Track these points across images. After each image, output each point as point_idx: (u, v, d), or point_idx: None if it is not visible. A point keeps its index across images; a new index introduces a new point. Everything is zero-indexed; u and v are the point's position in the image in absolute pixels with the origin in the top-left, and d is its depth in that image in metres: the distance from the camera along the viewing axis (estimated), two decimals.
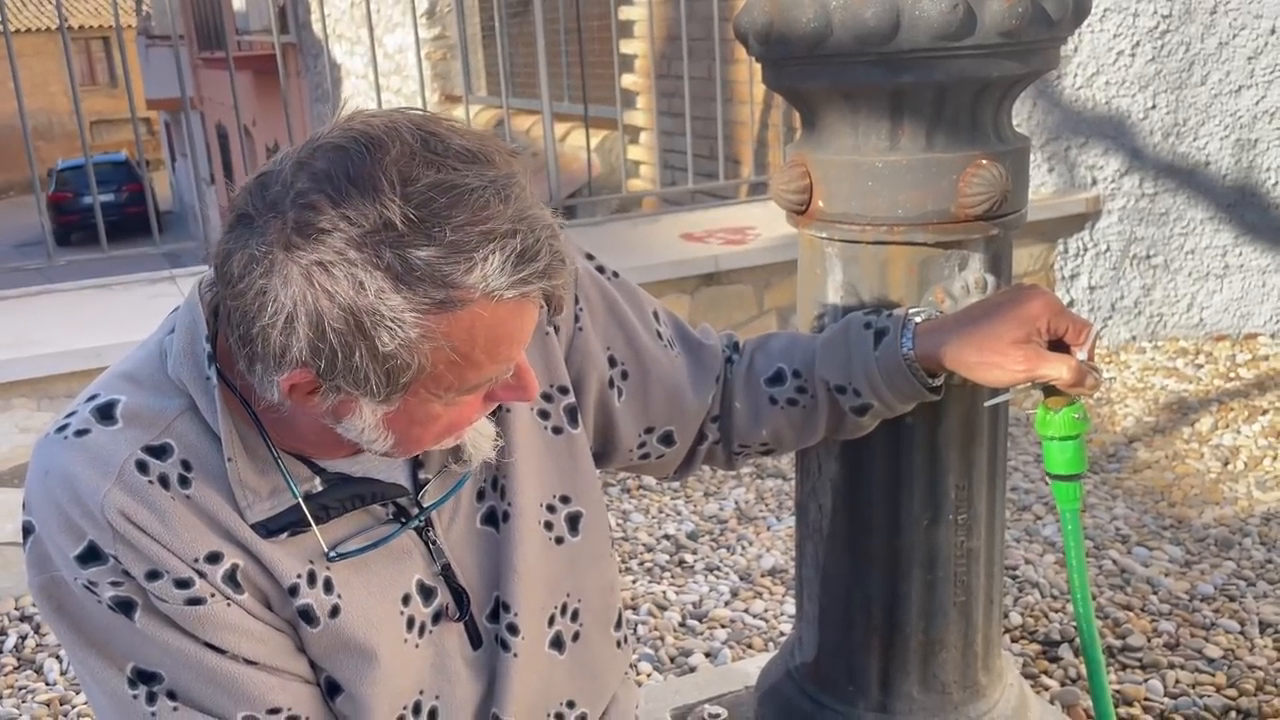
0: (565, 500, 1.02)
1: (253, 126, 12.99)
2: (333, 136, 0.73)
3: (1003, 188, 1.09)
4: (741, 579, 2.61)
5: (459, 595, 0.96)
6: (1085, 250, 3.96)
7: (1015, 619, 2.35)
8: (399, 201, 0.70)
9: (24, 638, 2.53)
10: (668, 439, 1.11)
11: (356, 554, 0.89)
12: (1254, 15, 3.66)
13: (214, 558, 0.84)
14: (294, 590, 0.87)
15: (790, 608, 2.45)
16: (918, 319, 1.07)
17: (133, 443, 0.83)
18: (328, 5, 9.62)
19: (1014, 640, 2.28)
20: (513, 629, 0.97)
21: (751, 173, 4.70)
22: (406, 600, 0.93)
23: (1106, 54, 3.79)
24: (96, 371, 0.93)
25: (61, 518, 0.81)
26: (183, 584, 0.82)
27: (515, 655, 0.97)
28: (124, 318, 2.94)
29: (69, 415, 0.85)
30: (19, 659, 2.45)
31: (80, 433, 0.83)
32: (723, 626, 2.41)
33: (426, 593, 0.94)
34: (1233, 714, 2.02)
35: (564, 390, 1.03)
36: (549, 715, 1.03)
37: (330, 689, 0.92)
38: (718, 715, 1.55)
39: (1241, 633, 2.27)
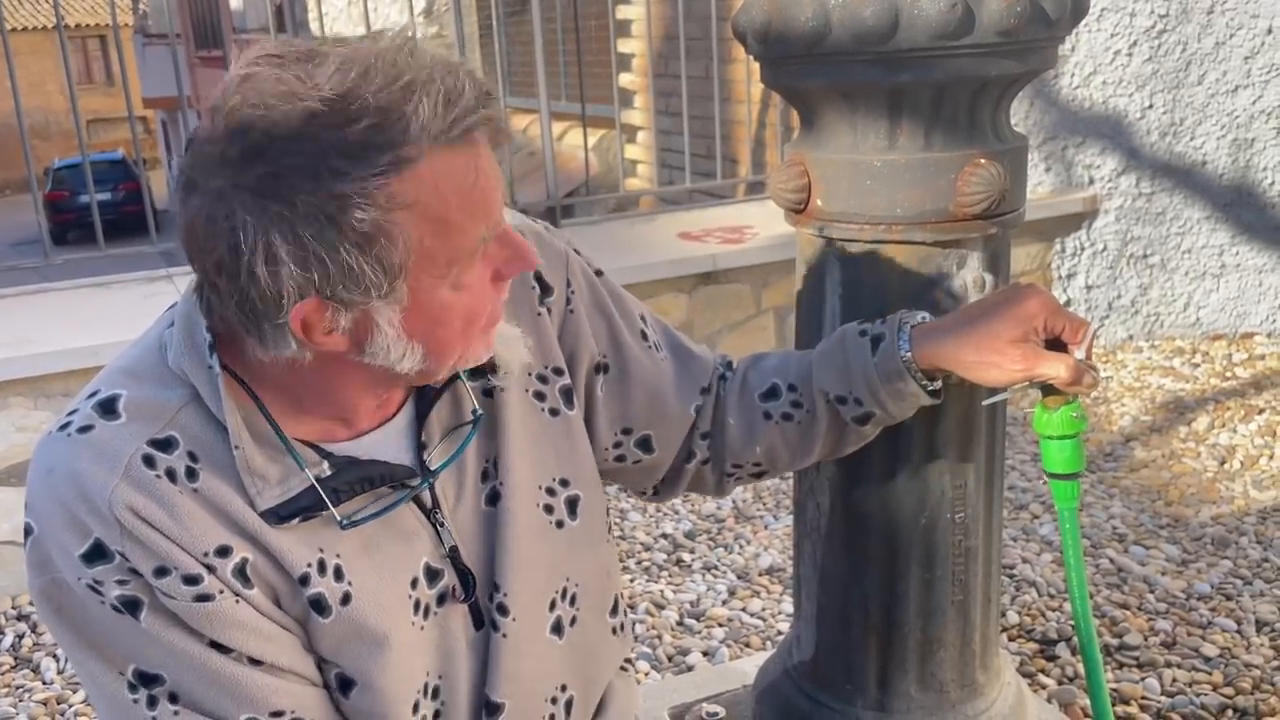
0: (565, 484, 1.02)
1: None
2: (234, 101, 0.75)
3: (1001, 187, 1.09)
4: (739, 578, 2.61)
5: (464, 577, 0.95)
6: (1082, 249, 3.97)
7: (1013, 618, 2.35)
8: (316, 93, 0.73)
9: (21, 637, 2.53)
10: (646, 444, 1.10)
11: (368, 520, 0.88)
12: (1251, 15, 3.67)
13: (223, 551, 0.83)
14: (305, 580, 0.86)
15: (788, 606, 2.45)
16: (913, 322, 1.07)
17: (138, 436, 0.82)
18: (325, 4, 9.61)
19: (1011, 639, 2.28)
20: (502, 609, 0.97)
21: (749, 172, 4.70)
22: (415, 584, 0.93)
23: (1104, 53, 3.79)
24: (93, 370, 0.93)
25: (66, 516, 0.81)
26: (191, 580, 0.82)
27: (504, 636, 0.97)
28: (121, 316, 2.94)
29: (71, 413, 0.85)
30: (16, 658, 2.45)
31: (84, 429, 0.83)
32: (720, 625, 2.41)
33: (432, 575, 0.94)
34: (1229, 712, 2.03)
35: (559, 371, 1.03)
36: (543, 700, 1.02)
37: (343, 685, 0.91)
38: (715, 714, 1.55)
39: (1238, 631, 2.28)
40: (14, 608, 2.66)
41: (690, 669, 2.23)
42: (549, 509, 1.00)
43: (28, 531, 0.84)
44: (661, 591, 2.55)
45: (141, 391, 0.85)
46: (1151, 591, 2.45)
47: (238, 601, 0.84)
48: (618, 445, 1.09)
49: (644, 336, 1.10)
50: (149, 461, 0.82)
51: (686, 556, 2.72)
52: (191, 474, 0.83)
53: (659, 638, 2.37)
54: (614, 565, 1.10)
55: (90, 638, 0.84)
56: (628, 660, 1.15)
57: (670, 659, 2.29)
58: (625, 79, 5.42)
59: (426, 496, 0.94)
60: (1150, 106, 3.81)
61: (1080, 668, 2.15)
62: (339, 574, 0.88)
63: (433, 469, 0.93)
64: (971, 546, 1.24)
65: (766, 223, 3.69)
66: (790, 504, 2.81)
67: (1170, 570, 2.54)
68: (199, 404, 0.84)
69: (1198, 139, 3.81)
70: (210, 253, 0.76)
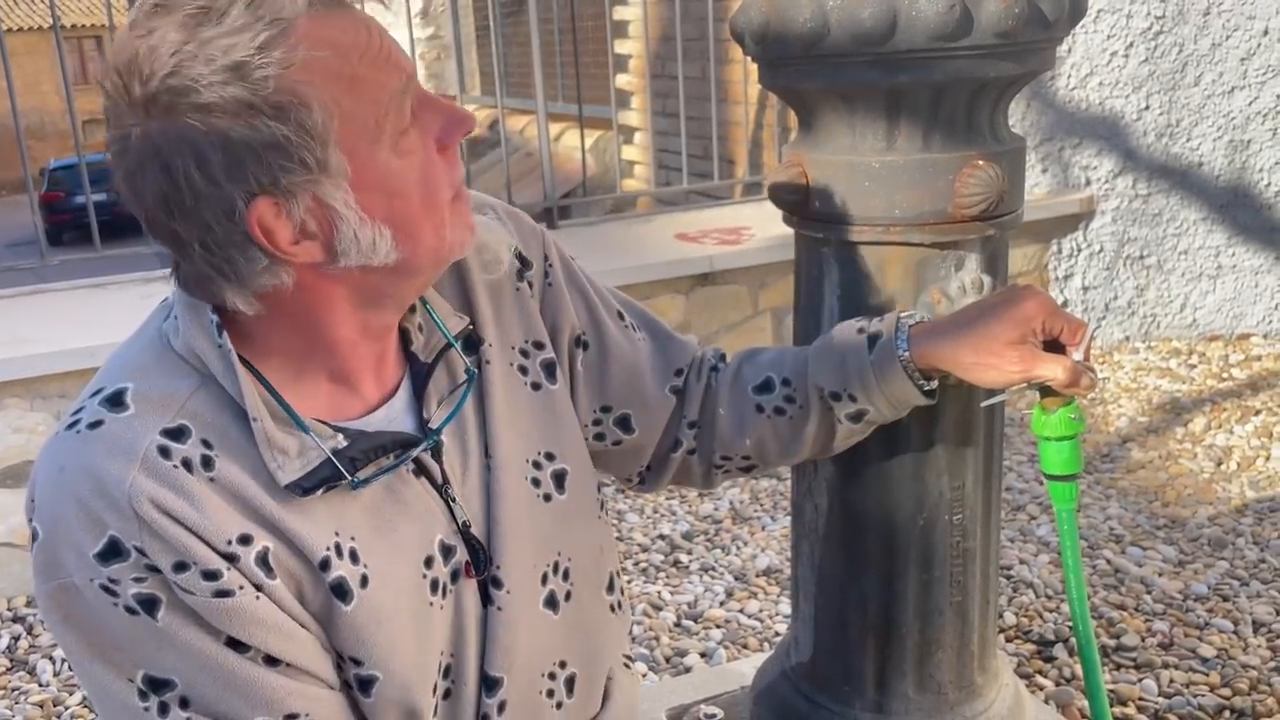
0: (550, 457, 1.02)
1: None
2: (123, 50, 0.78)
3: (999, 188, 1.10)
4: (737, 579, 2.61)
5: (475, 552, 0.95)
6: (1079, 251, 3.97)
7: (1010, 619, 2.35)
8: (188, 3, 0.75)
9: (17, 639, 2.52)
10: (625, 423, 1.10)
11: (376, 477, 0.88)
12: (1247, 16, 3.67)
13: (245, 540, 0.82)
14: (325, 565, 0.85)
15: (785, 608, 2.45)
16: (911, 321, 1.07)
17: (150, 427, 0.81)
18: None
19: (1009, 640, 2.28)
20: (496, 582, 0.96)
21: (746, 173, 4.71)
22: (429, 562, 0.92)
23: (1100, 55, 3.80)
24: (90, 371, 0.92)
25: (82, 513, 0.79)
26: (211, 575, 0.80)
27: (500, 609, 0.96)
28: (117, 317, 2.93)
29: (77, 412, 0.84)
30: (12, 660, 2.44)
31: (94, 425, 0.82)
32: (718, 627, 2.41)
33: (447, 551, 0.93)
34: (1227, 713, 2.03)
35: (539, 345, 1.03)
36: (542, 675, 1.01)
37: (363, 684, 0.90)
38: (713, 716, 1.55)
39: (1235, 632, 2.28)
40: (9, 609, 2.65)
41: (688, 670, 2.23)
42: (536, 482, 1.00)
43: (34, 536, 0.82)
44: (659, 593, 2.55)
45: (148, 383, 0.84)
46: (1149, 592, 2.45)
47: (258, 597, 0.82)
48: (597, 423, 1.10)
49: (620, 316, 1.11)
50: (164, 452, 0.81)
51: (684, 558, 2.72)
52: (207, 462, 0.82)
53: (656, 639, 2.36)
54: (608, 542, 1.09)
55: (100, 644, 0.82)
56: (628, 657, 1.14)
57: (668, 660, 2.29)
58: (622, 80, 5.42)
59: (437, 472, 0.94)
60: (1147, 108, 3.81)
61: (1078, 669, 2.15)
62: (354, 556, 0.87)
63: (433, 427, 0.93)
64: (969, 548, 1.24)
65: (764, 224, 3.69)
66: (788, 505, 2.82)
67: (1167, 571, 2.54)
68: (209, 388, 0.84)
69: (1194, 140, 3.81)
70: (154, 196, 0.78)
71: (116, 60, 0.77)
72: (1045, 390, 1.06)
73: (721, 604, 2.50)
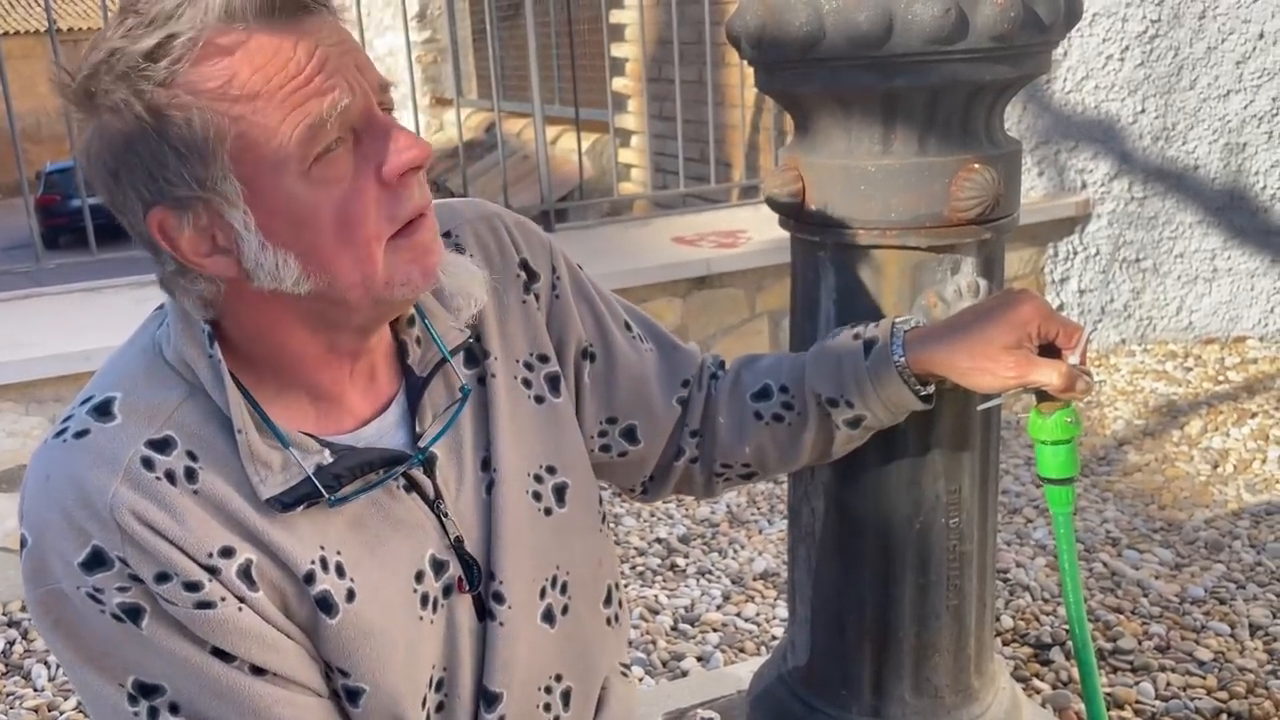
0: (551, 471, 1.01)
1: None
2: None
3: (995, 191, 1.10)
4: (733, 583, 2.61)
5: (469, 568, 0.95)
6: (1075, 254, 3.97)
7: (1007, 622, 2.35)
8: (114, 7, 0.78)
9: (11, 643, 2.52)
10: (630, 434, 1.09)
11: (356, 495, 0.87)
12: (1242, 20, 3.68)
13: (227, 552, 0.82)
14: (310, 578, 0.85)
15: (782, 611, 2.45)
16: (907, 326, 1.07)
17: (135, 438, 0.81)
18: None
19: (1006, 643, 2.28)
20: (498, 597, 0.96)
21: (743, 176, 4.71)
22: (420, 577, 0.92)
23: (1096, 58, 3.80)
24: (85, 375, 0.93)
25: (66, 522, 0.79)
26: (192, 587, 0.80)
27: (501, 624, 0.96)
28: (113, 321, 2.93)
29: (66, 419, 0.84)
30: (7, 664, 2.44)
31: (80, 434, 0.82)
32: (715, 630, 2.40)
33: (438, 566, 0.93)
34: (1224, 717, 2.03)
35: (544, 358, 1.03)
36: (538, 689, 1.01)
37: (350, 695, 0.89)
38: None
39: (1232, 635, 2.28)
40: (4, 614, 2.64)
41: (685, 674, 2.22)
42: (537, 496, 1.00)
43: (23, 543, 0.82)
44: (656, 596, 2.55)
45: (137, 392, 0.84)
46: (1145, 595, 2.45)
47: (240, 609, 0.82)
48: (603, 434, 1.09)
49: (628, 327, 1.11)
50: (148, 463, 0.81)
51: (681, 561, 2.72)
52: (191, 474, 0.82)
53: (653, 643, 2.36)
54: (607, 555, 1.08)
55: (89, 649, 0.82)
56: (625, 665, 1.14)
57: (664, 664, 2.29)
58: (619, 83, 5.42)
59: (429, 487, 0.93)
60: (1142, 111, 3.82)
61: (1075, 672, 2.15)
62: (340, 570, 0.87)
63: (422, 446, 0.92)
64: (966, 551, 1.24)
65: (760, 227, 3.69)
66: (785, 508, 2.81)
67: (1164, 574, 2.54)
68: (197, 399, 0.84)
69: (1190, 143, 3.82)
70: (100, 187, 0.81)
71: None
72: (1041, 394, 1.06)
73: (718, 608, 2.50)
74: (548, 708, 1.02)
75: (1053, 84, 3.85)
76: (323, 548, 0.86)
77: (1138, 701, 2.07)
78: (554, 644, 1.01)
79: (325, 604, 0.86)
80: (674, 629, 2.42)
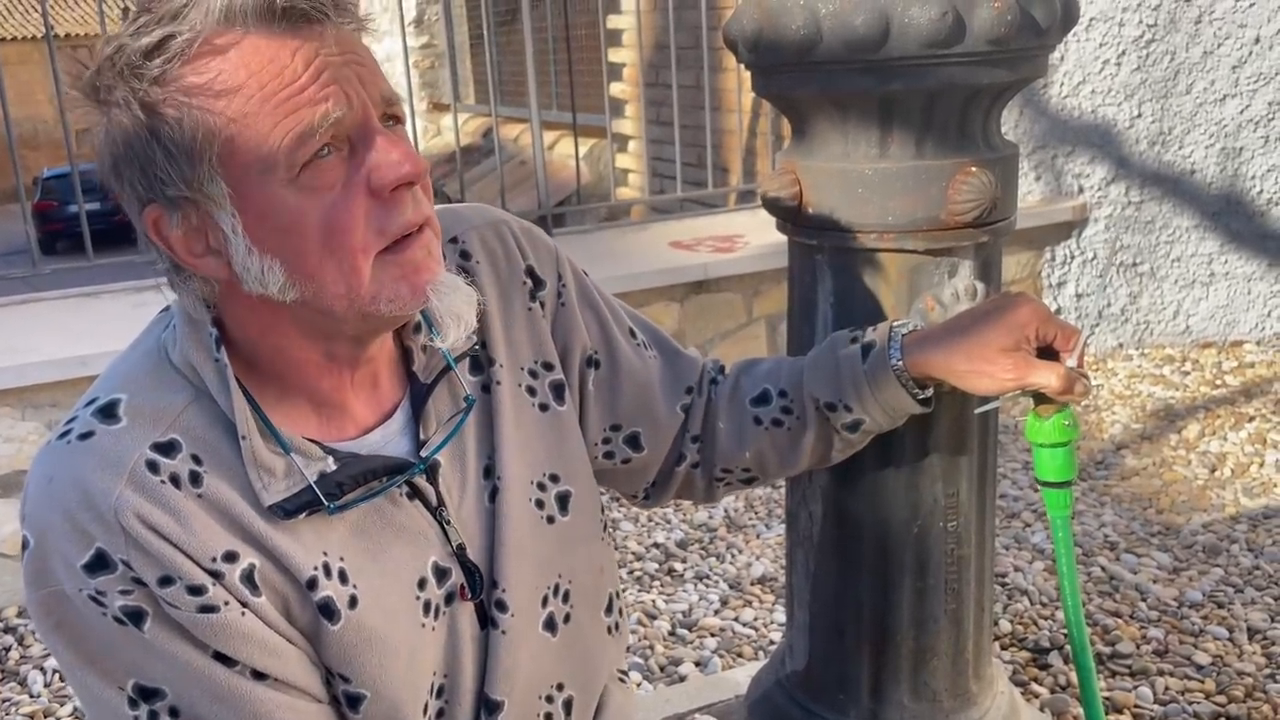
0: (554, 479, 1.01)
1: None
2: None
3: (992, 195, 1.10)
4: (731, 587, 2.60)
5: (471, 575, 0.94)
6: (1072, 258, 3.98)
7: (1005, 626, 2.35)
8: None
9: (8, 649, 2.51)
10: (634, 441, 1.09)
11: (356, 504, 0.87)
12: (1238, 24, 3.69)
13: (231, 557, 0.81)
14: (313, 584, 0.85)
15: (780, 616, 2.45)
16: (904, 330, 1.07)
17: (140, 441, 0.81)
18: None
19: (1004, 648, 2.28)
20: (501, 605, 0.96)
21: (740, 181, 4.71)
22: (422, 584, 0.91)
23: (1093, 63, 3.81)
24: (82, 380, 0.93)
25: (69, 524, 0.79)
26: (196, 590, 0.80)
27: (504, 633, 0.96)
28: (110, 326, 2.93)
29: (69, 421, 0.83)
30: (3, 670, 2.43)
31: (84, 436, 0.81)
32: (713, 635, 2.40)
33: (441, 574, 0.93)
34: None
35: (549, 366, 1.02)
36: (539, 698, 1.01)
37: (352, 701, 0.89)
38: None
39: (1230, 639, 2.28)
40: (0, 620, 2.64)
41: (683, 679, 2.22)
42: (540, 504, 1.00)
43: (25, 545, 0.81)
44: (653, 601, 2.54)
45: (143, 395, 0.84)
46: (1143, 599, 2.45)
47: (243, 614, 0.82)
48: (607, 441, 1.09)
49: (632, 334, 1.10)
50: (153, 466, 0.80)
51: (678, 566, 2.72)
52: (196, 478, 0.82)
53: (651, 648, 2.36)
54: (609, 563, 1.08)
55: (90, 652, 0.82)
56: (622, 671, 1.14)
57: (662, 669, 2.28)
58: (616, 88, 5.43)
59: (431, 495, 0.93)
60: (1139, 115, 3.82)
61: (1073, 676, 2.15)
62: (343, 577, 0.87)
63: (425, 454, 0.92)
64: (964, 555, 1.24)
65: (758, 231, 3.69)
66: (782, 513, 2.81)
67: (1162, 578, 2.54)
68: (203, 403, 0.83)
69: (1186, 148, 3.83)
70: (110, 189, 0.82)
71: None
72: (1039, 397, 1.06)
73: (716, 612, 2.49)
74: (549, 717, 1.02)
75: (1049, 88, 3.85)
76: (325, 554, 0.86)
77: (1136, 706, 2.07)
78: (555, 652, 1.01)
79: (328, 610, 0.86)
80: (672, 634, 2.42)
